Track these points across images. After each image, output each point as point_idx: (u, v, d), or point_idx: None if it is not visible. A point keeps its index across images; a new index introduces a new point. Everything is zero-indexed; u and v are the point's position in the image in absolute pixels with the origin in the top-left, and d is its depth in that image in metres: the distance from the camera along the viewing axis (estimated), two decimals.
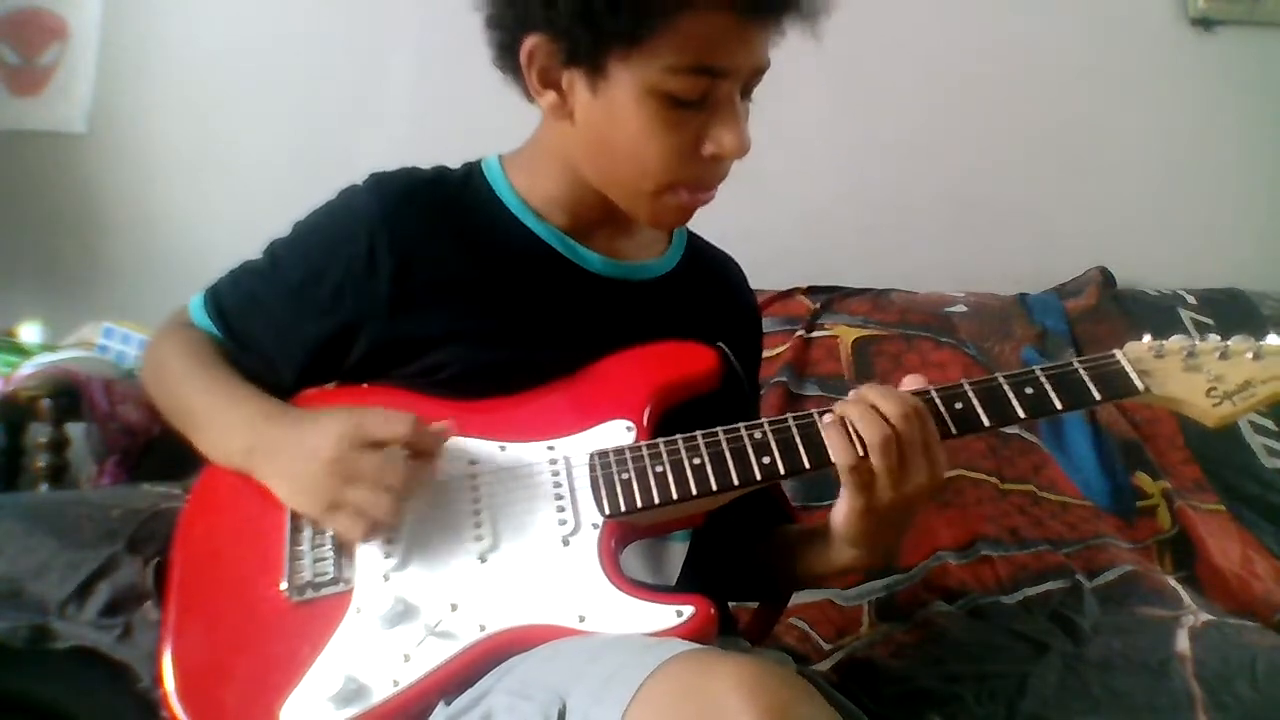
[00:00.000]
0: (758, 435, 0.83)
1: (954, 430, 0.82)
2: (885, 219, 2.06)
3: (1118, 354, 0.85)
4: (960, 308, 1.83)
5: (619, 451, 0.83)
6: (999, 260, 2.03)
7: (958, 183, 2.08)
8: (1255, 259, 2.11)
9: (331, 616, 0.77)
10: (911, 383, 0.84)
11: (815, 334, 1.76)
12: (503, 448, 0.85)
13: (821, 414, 0.83)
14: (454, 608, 0.77)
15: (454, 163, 1.00)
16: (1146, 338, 0.87)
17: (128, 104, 1.95)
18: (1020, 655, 1.13)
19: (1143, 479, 1.63)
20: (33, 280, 1.90)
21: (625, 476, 0.82)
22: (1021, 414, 0.83)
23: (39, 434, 1.53)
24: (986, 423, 0.82)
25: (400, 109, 1.96)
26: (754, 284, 1.14)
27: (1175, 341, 0.86)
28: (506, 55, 0.88)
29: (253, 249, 0.97)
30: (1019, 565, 1.46)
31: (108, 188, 1.94)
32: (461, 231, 0.93)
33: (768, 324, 1.27)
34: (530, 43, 0.84)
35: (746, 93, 0.87)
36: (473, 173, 0.98)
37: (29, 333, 1.69)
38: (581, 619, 0.75)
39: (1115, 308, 1.89)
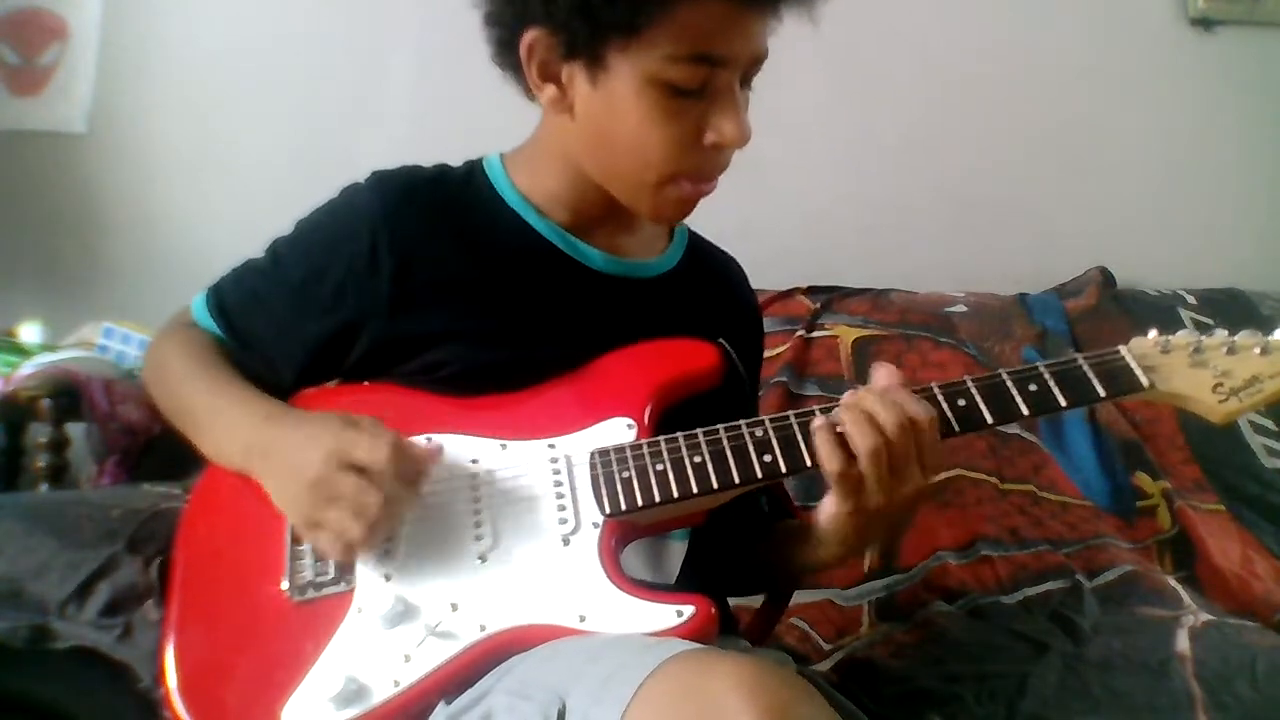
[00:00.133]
0: (759, 433, 0.83)
1: (957, 428, 0.82)
2: (885, 219, 2.06)
3: (1122, 350, 0.84)
4: (960, 308, 1.83)
5: (620, 449, 0.83)
6: (999, 260, 2.03)
7: (958, 182, 2.08)
8: (1255, 259, 2.11)
9: (332, 616, 0.77)
10: (885, 375, 0.82)
11: (815, 334, 1.76)
12: (503, 446, 0.85)
13: (826, 410, 0.82)
14: (454, 608, 0.77)
15: (455, 162, 1.00)
16: (1153, 333, 0.85)
17: (128, 104, 1.95)
18: (1020, 655, 1.13)
19: (1143, 479, 1.63)
20: (33, 280, 1.90)
21: (626, 475, 0.82)
22: (1025, 411, 0.82)
23: (39, 434, 1.53)
24: (990, 420, 0.82)
25: (400, 109, 1.96)
26: (754, 284, 1.14)
27: (1181, 337, 0.84)
28: (506, 51, 0.88)
29: (253, 249, 0.97)
30: (1019, 565, 1.46)
31: (108, 188, 1.94)
32: (463, 229, 0.93)
33: (768, 324, 1.27)
34: (529, 37, 0.84)
35: (746, 82, 0.87)
36: (474, 171, 0.98)
37: (29, 333, 1.69)
38: (582, 619, 0.75)
39: (1115, 308, 1.89)
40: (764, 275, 1.26)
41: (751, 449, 0.82)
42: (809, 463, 0.81)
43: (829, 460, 0.79)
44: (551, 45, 0.84)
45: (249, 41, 1.96)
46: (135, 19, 1.95)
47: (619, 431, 0.85)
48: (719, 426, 0.83)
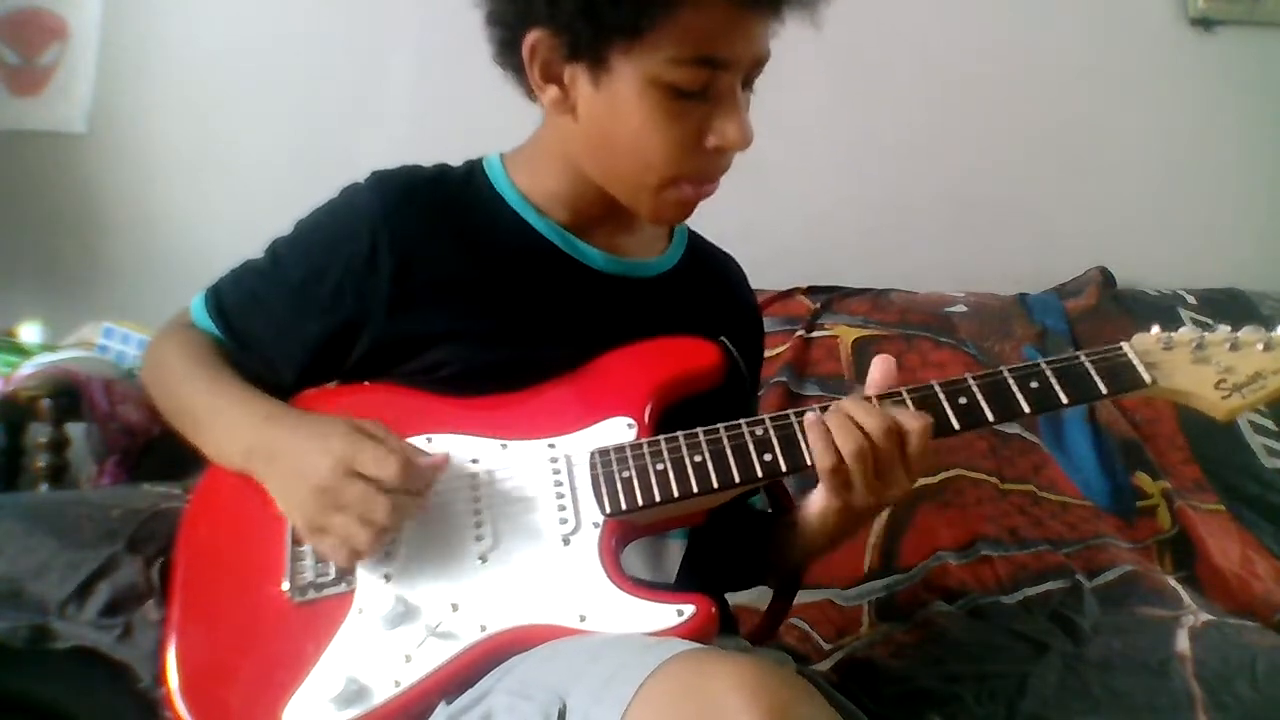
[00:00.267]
0: (759, 432, 0.82)
1: (957, 426, 0.81)
2: (885, 219, 2.06)
3: (1125, 346, 0.84)
4: (960, 308, 1.83)
5: (620, 449, 0.83)
6: (999, 260, 2.03)
7: (958, 183, 2.08)
8: (1255, 259, 2.11)
9: (333, 617, 0.77)
10: (880, 370, 0.83)
11: (815, 334, 1.76)
12: (504, 445, 0.85)
13: (824, 409, 0.82)
14: (455, 608, 0.77)
15: (454, 163, 1.00)
16: (1155, 329, 0.85)
17: (128, 104, 1.95)
18: (1020, 655, 1.13)
19: (1143, 479, 1.63)
20: (33, 280, 1.90)
21: (626, 474, 0.82)
22: (1027, 408, 0.81)
23: (39, 434, 1.53)
24: (991, 417, 0.81)
25: (400, 109, 1.96)
26: (754, 284, 1.14)
27: (1184, 333, 0.84)
28: (507, 51, 0.88)
29: (253, 249, 0.96)
30: (1019, 565, 1.46)
31: (108, 188, 1.94)
32: (463, 229, 0.93)
33: (768, 324, 1.27)
34: (532, 38, 0.84)
35: (747, 83, 0.87)
36: (474, 170, 0.98)
37: (29, 333, 1.69)
38: (582, 618, 0.75)
39: (1115, 307, 1.89)
40: (764, 275, 1.26)
41: (752, 448, 0.82)
42: (809, 462, 0.81)
43: (820, 456, 0.79)
44: (554, 46, 0.84)
45: (249, 41, 1.96)
46: (135, 19, 1.95)
47: (619, 431, 0.85)
48: (719, 426, 0.83)
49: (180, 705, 0.75)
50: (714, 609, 0.75)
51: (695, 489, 0.81)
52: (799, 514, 0.91)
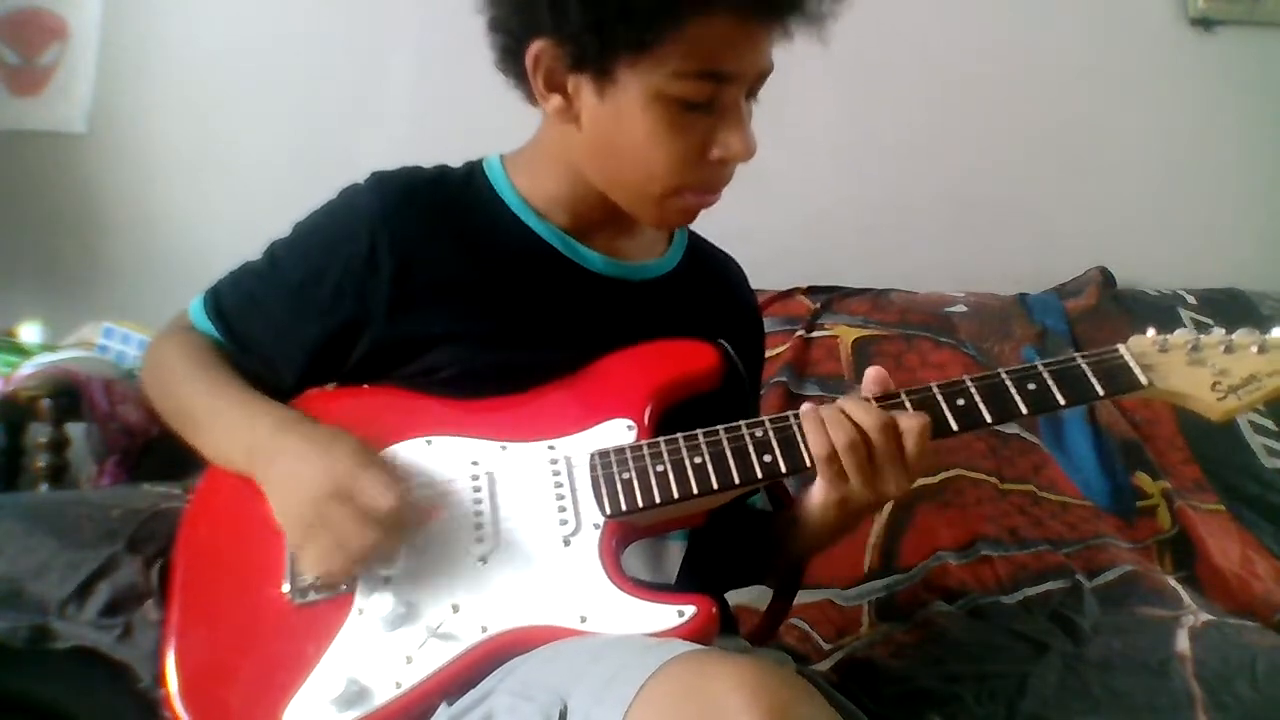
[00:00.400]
0: (759, 433, 0.83)
1: (955, 427, 0.82)
2: (885, 219, 2.06)
3: (1121, 348, 0.84)
4: (960, 308, 1.83)
5: (620, 451, 0.83)
6: (999, 260, 2.03)
7: (958, 183, 2.08)
8: (1255, 259, 2.11)
9: (333, 619, 0.77)
10: (873, 380, 0.84)
11: (815, 334, 1.76)
12: (503, 448, 0.85)
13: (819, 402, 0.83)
14: (455, 609, 0.77)
15: (454, 163, 1.00)
16: (1151, 331, 0.85)
17: (128, 104, 1.95)
18: (1020, 655, 1.13)
19: (1143, 479, 1.63)
20: (33, 280, 1.90)
21: (626, 476, 0.82)
22: (1024, 410, 0.82)
23: (39, 434, 1.53)
24: (989, 419, 0.82)
25: (400, 109, 1.96)
26: (754, 284, 1.14)
27: (1179, 335, 0.84)
28: (510, 59, 0.88)
29: (253, 249, 0.96)
30: (1019, 565, 1.46)
31: (108, 188, 1.94)
32: (462, 231, 0.93)
33: (768, 324, 1.27)
34: (536, 47, 0.84)
35: (751, 94, 0.87)
36: (474, 172, 0.98)
37: (29, 333, 1.69)
38: (583, 619, 0.75)
39: (1115, 308, 1.89)
40: (764, 275, 1.26)
41: (751, 449, 0.82)
42: (809, 463, 0.81)
43: (815, 445, 0.80)
44: (559, 56, 0.83)
45: (249, 41, 1.96)
46: (135, 19, 1.95)
47: (619, 433, 0.85)
48: (719, 427, 0.83)
49: (180, 706, 0.75)
50: (714, 609, 0.75)
51: (695, 490, 0.81)
52: (799, 508, 0.91)
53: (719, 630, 0.78)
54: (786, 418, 0.83)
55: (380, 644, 0.76)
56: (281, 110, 1.96)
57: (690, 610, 0.75)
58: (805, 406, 0.82)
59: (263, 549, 0.81)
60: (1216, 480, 1.65)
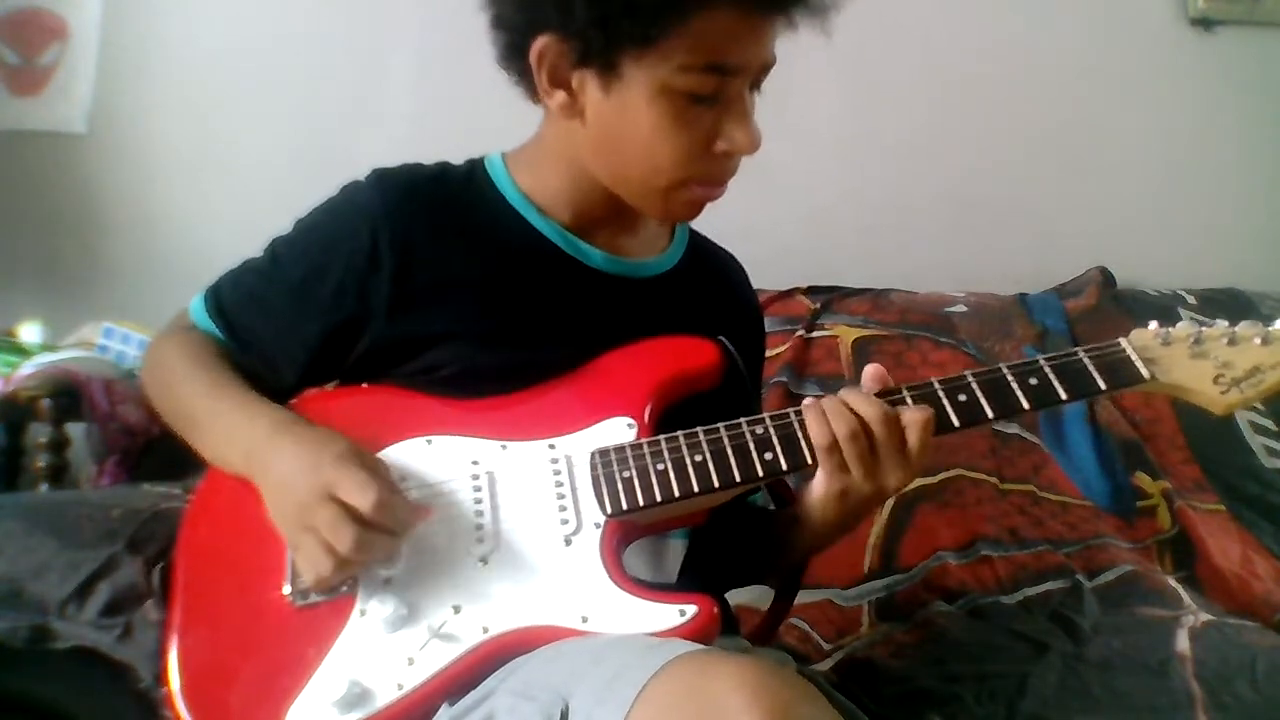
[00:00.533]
0: (760, 430, 0.82)
1: (957, 423, 0.81)
2: (885, 219, 2.06)
3: (1123, 342, 0.84)
4: (960, 308, 1.83)
5: (620, 449, 0.83)
6: (999, 260, 2.03)
7: (958, 183, 2.08)
8: (1255, 259, 2.11)
9: (335, 621, 0.77)
10: (871, 377, 0.84)
11: (815, 334, 1.76)
12: (504, 447, 0.85)
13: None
14: (457, 610, 0.77)
15: (456, 162, 1.00)
16: (1153, 324, 0.85)
17: (128, 104, 1.95)
18: (1020, 655, 1.13)
19: (1143, 479, 1.63)
20: (33, 280, 1.90)
21: (627, 475, 0.82)
22: (1026, 404, 0.81)
23: (39, 434, 1.52)
24: (990, 413, 0.82)
25: (400, 109, 1.96)
26: (754, 283, 1.14)
27: (1182, 328, 0.84)
28: (513, 55, 0.88)
29: (253, 249, 0.96)
30: (1019, 565, 1.46)
31: (108, 188, 1.93)
32: (464, 228, 0.93)
33: (768, 324, 1.27)
34: (540, 43, 0.84)
35: (755, 86, 0.87)
36: (475, 169, 0.98)
37: (29, 333, 1.69)
38: (584, 619, 0.75)
39: (1115, 308, 1.89)
40: (764, 275, 1.26)
41: (752, 447, 0.82)
42: (810, 460, 0.81)
43: (816, 434, 0.80)
44: (563, 52, 0.84)
45: (249, 41, 1.95)
46: (135, 19, 1.95)
47: (619, 431, 0.85)
48: (719, 425, 0.83)
49: (182, 705, 0.75)
50: (716, 609, 0.75)
51: (696, 488, 0.81)
52: (801, 503, 0.91)
53: (720, 630, 0.78)
54: (787, 415, 0.83)
55: (382, 645, 0.76)
56: (281, 110, 1.96)
57: (692, 610, 0.75)
58: (807, 401, 0.82)
59: (264, 550, 0.81)
60: (1217, 480, 1.65)
